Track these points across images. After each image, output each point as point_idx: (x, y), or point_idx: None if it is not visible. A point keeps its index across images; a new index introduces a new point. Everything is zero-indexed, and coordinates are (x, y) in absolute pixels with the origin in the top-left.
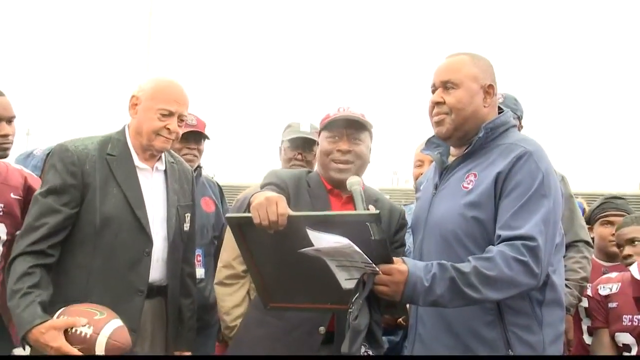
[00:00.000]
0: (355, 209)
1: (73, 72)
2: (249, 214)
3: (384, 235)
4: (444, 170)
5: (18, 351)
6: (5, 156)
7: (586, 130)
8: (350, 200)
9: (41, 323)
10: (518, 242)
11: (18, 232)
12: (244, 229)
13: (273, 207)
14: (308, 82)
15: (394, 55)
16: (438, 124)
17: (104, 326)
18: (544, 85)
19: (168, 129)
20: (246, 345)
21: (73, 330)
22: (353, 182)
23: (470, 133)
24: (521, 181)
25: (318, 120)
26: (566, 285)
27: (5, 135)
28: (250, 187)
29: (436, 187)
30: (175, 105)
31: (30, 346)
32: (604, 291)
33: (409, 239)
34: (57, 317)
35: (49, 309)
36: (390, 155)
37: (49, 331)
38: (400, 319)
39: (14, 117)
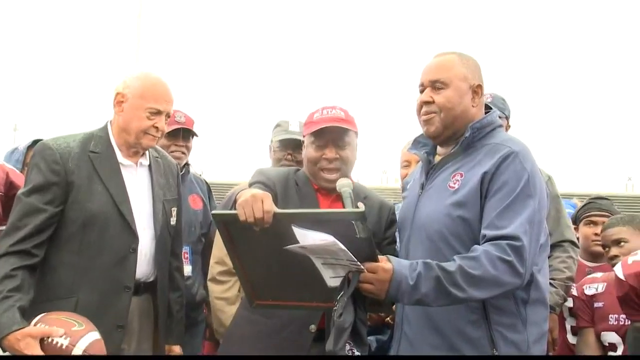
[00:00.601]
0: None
1: (60, 68)
2: (235, 211)
3: (369, 233)
4: (431, 170)
5: None
6: None
7: (578, 130)
8: (339, 199)
9: (18, 329)
10: (503, 242)
11: (2, 230)
12: (229, 226)
13: (259, 204)
14: (297, 80)
15: (383, 54)
16: (427, 122)
17: (81, 338)
18: (533, 85)
19: (156, 127)
20: (236, 343)
21: (49, 340)
22: (343, 184)
23: (458, 132)
24: (507, 181)
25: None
26: (552, 285)
27: None
28: (238, 186)
29: (422, 186)
30: (164, 104)
31: (3, 351)
32: (589, 291)
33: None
34: (35, 325)
35: (35, 307)
36: (380, 154)
37: (25, 338)
38: (388, 318)
39: None
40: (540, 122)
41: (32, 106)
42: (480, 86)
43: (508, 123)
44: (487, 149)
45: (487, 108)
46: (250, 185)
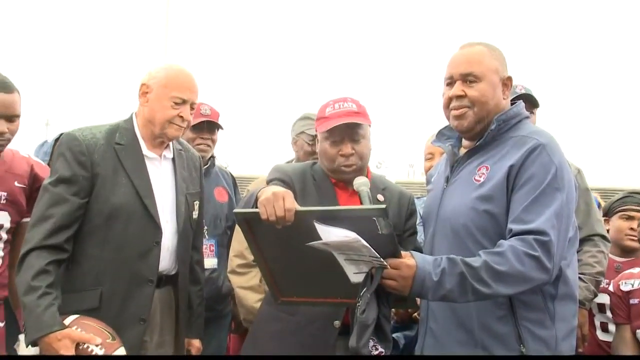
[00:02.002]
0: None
1: (92, 63)
2: (257, 210)
3: (392, 229)
4: (456, 163)
5: (23, 337)
6: None
7: (602, 124)
8: (357, 193)
9: (59, 330)
10: (530, 237)
11: (28, 221)
12: (251, 224)
13: (280, 202)
14: (321, 72)
15: (410, 47)
16: (459, 117)
17: (114, 352)
18: (560, 78)
19: (181, 117)
20: (261, 340)
21: (85, 345)
22: (360, 183)
23: (487, 126)
24: (534, 174)
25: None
26: (582, 280)
27: (1, 133)
28: (256, 181)
29: (447, 180)
30: (188, 93)
31: (34, 345)
32: (625, 287)
33: (420, 232)
34: (69, 326)
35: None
36: (407, 147)
37: (64, 339)
38: (416, 314)
39: (15, 115)
40: (568, 114)
41: (64, 101)
42: (510, 78)
43: (534, 115)
44: (513, 142)
45: (515, 99)
46: (268, 182)
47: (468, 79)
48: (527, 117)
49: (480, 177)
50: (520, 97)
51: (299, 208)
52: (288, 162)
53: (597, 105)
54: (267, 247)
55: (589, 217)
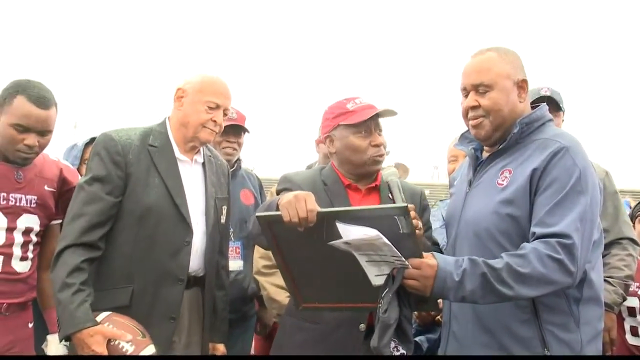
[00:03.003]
0: (394, 201)
1: (119, 66)
2: (279, 212)
3: (413, 228)
4: (478, 166)
5: (51, 338)
6: (24, 164)
7: (635, 125)
8: (370, 192)
9: (92, 326)
10: (553, 240)
11: (57, 224)
12: (274, 227)
13: (302, 203)
14: (346, 76)
15: (436, 50)
16: (476, 127)
17: (145, 349)
18: (589, 80)
19: (214, 121)
20: (287, 351)
21: (116, 342)
22: (389, 173)
23: (508, 131)
24: (557, 177)
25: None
26: (610, 283)
27: (30, 146)
28: (268, 199)
29: (470, 183)
30: (222, 99)
31: (67, 341)
32: None
33: (442, 235)
34: (101, 322)
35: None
36: (431, 149)
37: (96, 335)
38: (439, 317)
39: (48, 130)
40: (594, 117)
41: (92, 105)
42: (524, 80)
43: (562, 118)
44: (536, 145)
45: (536, 102)
46: (278, 193)
47: (479, 89)
48: (551, 120)
49: (503, 180)
50: (542, 99)
51: (321, 209)
52: (310, 165)
53: (629, 106)
54: (289, 251)
55: (617, 221)
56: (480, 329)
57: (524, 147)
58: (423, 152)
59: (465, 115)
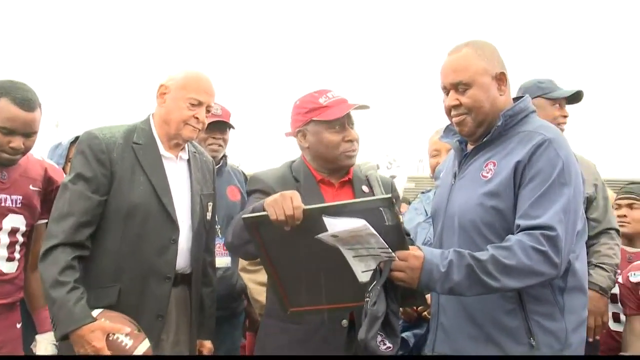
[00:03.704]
0: (374, 194)
1: (100, 65)
2: (265, 212)
3: (398, 220)
4: (463, 159)
5: (41, 339)
6: (9, 165)
7: (613, 116)
8: (343, 186)
9: (91, 322)
10: (537, 232)
11: (42, 223)
12: (260, 228)
13: (288, 201)
14: (331, 70)
15: (419, 44)
16: (459, 124)
17: (141, 342)
18: (578, 73)
19: (197, 118)
20: (273, 353)
21: (115, 336)
22: (368, 167)
23: (492, 124)
24: (541, 169)
25: None
26: (604, 269)
27: (15, 149)
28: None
29: (455, 175)
30: (204, 96)
31: (64, 339)
32: (634, 278)
33: (429, 229)
34: (97, 318)
35: None
36: (416, 143)
37: (96, 331)
38: (425, 312)
39: (33, 132)
40: (582, 108)
41: (74, 103)
42: (503, 73)
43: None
44: (520, 137)
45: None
46: (249, 193)
47: (459, 87)
48: (534, 112)
49: (487, 173)
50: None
51: (307, 206)
52: (294, 161)
53: (604, 96)
54: (276, 253)
55: (606, 212)
56: (467, 320)
57: (508, 139)
58: (407, 145)
59: (449, 112)
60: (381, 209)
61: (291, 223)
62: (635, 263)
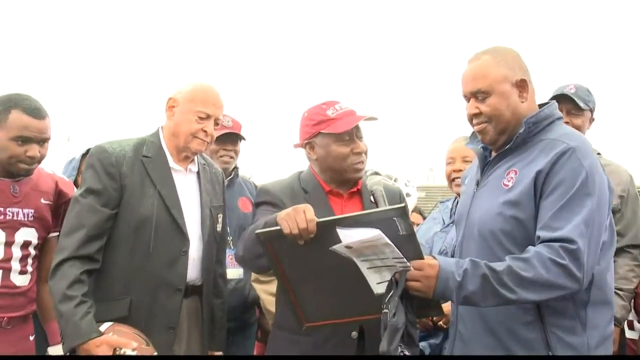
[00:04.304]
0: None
1: (111, 79)
2: (278, 227)
3: (412, 229)
4: (486, 166)
5: (53, 350)
6: (27, 175)
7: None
8: (352, 197)
9: (98, 337)
10: (557, 245)
11: (54, 236)
12: (274, 244)
13: (301, 215)
14: (342, 81)
15: (430, 55)
16: (481, 133)
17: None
18: (619, 80)
19: (205, 131)
20: None
21: (122, 351)
22: (374, 182)
23: (514, 132)
24: (563, 180)
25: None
26: (620, 297)
27: (32, 157)
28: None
29: (477, 183)
30: (212, 109)
31: (71, 353)
32: None
33: (445, 238)
34: (105, 332)
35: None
36: (426, 151)
37: (102, 345)
38: (441, 322)
39: (47, 139)
40: (620, 118)
41: (85, 117)
42: (524, 80)
43: (592, 116)
44: (542, 145)
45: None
46: (257, 205)
47: (478, 96)
48: (560, 118)
49: (508, 181)
50: (557, 97)
51: (320, 219)
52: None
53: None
54: (290, 268)
55: (633, 225)
56: (485, 330)
57: (530, 147)
58: (418, 154)
59: (470, 121)
60: (395, 218)
61: (305, 236)
62: None
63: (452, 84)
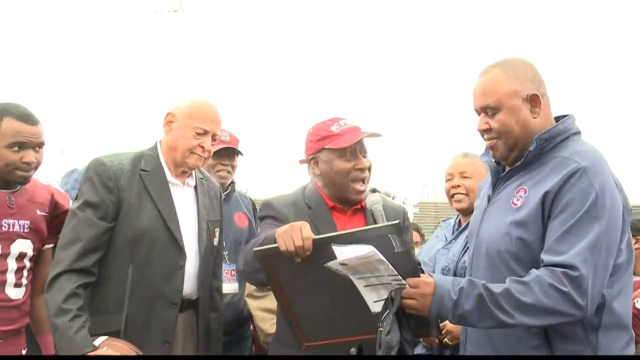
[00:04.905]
0: None
1: (106, 91)
2: (275, 245)
3: (407, 247)
4: (498, 181)
5: None
6: (25, 182)
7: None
8: (356, 213)
9: (92, 351)
10: (559, 270)
11: (49, 248)
12: (272, 261)
13: (298, 232)
14: (338, 96)
15: (424, 69)
16: (492, 148)
17: None
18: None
19: (202, 147)
20: None
21: None
22: (373, 201)
23: (525, 148)
24: (571, 201)
25: None
26: None
27: (29, 163)
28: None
29: (489, 199)
30: (210, 125)
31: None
32: None
33: (447, 255)
34: (99, 346)
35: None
36: (420, 168)
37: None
38: (446, 339)
39: (42, 144)
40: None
41: (80, 129)
42: (535, 95)
43: None
44: (554, 163)
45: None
46: (260, 219)
47: (487, 111)
48: (577, 134)
49: (517, 200)
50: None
51: (316, 236)
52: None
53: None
54: (288, 286)
55: None
56: (492, 351)
57: (542, 164)
58: (411, 171)
59: (482, 136)
60: (389, 235)
61: (301, 254)
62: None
63: (447, 100)
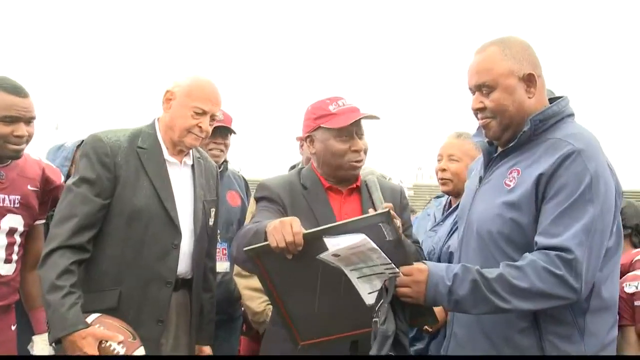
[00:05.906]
0: (373, 201)
1: (100, 67)
2: (266, 242)
3: (399, 234)
4: (490, 162)
5: (38, 339)
6: (18, 157)
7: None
8: (351, 193)
9: (84, 328)
10: (553, 253)
11: (40, 224)
12: (263, 260)
13: (288, 228)
14: (332, 77)
15: (419, 52)
16: (485, 127)
17: (135, 351)
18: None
19: (200, 127)
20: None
21: (107, 343)
22: (367, 172)
23: (519, 129)
24: (565, 184)
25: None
26: None
27: (20, 136)
28: (252, 202)
29: (480, 180)
30: (209, 105)
31: (57, 343)
32: (629, 289)
33: (434, 237)
34: (92, 324)
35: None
36: (415, 150)
37: (88, 337)
38: (427, 327)
39: (33, 118)
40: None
41: (74, 106)
42: (531, 74)
43: None
44: (547, 145)
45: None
46: (256, 200)
47: (482, 89)
48: (571, 115)
49: (510, 181)
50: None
51: (306, 231)
52: (293, 166)
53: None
54: (281, 284)
55: None
56: (480, 333)
57: (536, 145)
58: (406, 153)
59: (475, 115)
60: (380, 224)
61: (292, 249)
62: (630, 273)
63: (442, 82)
